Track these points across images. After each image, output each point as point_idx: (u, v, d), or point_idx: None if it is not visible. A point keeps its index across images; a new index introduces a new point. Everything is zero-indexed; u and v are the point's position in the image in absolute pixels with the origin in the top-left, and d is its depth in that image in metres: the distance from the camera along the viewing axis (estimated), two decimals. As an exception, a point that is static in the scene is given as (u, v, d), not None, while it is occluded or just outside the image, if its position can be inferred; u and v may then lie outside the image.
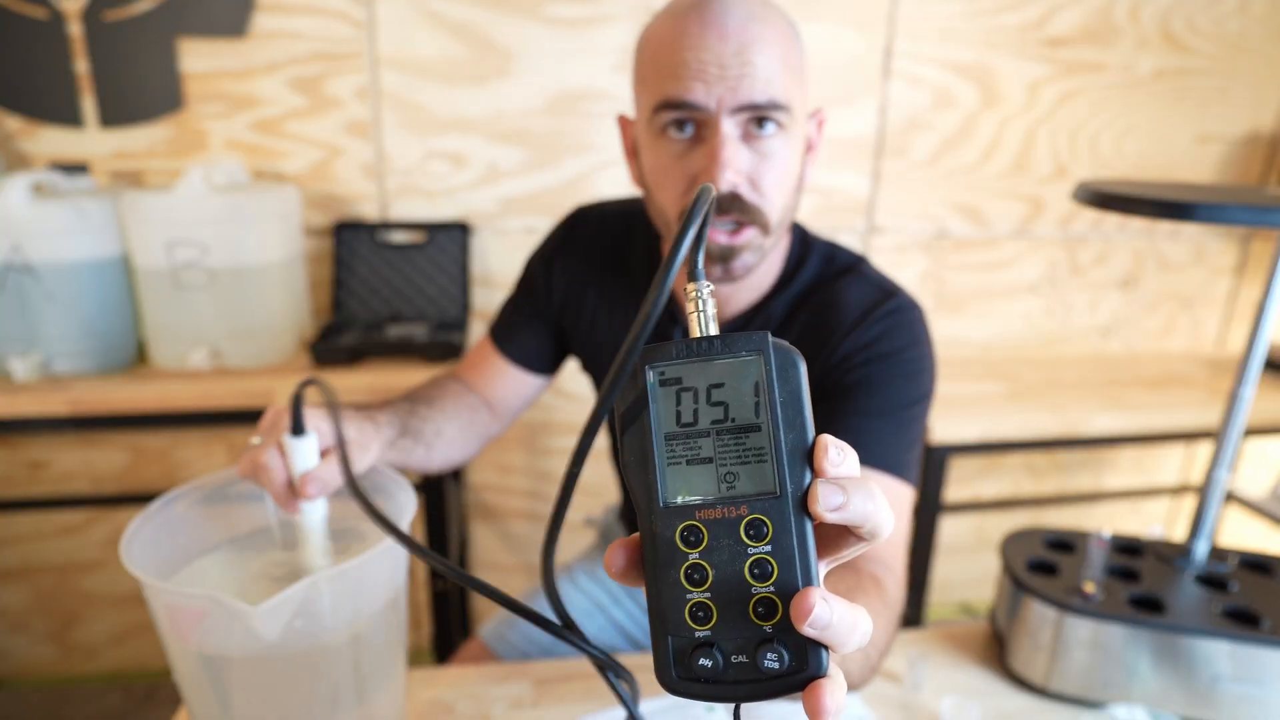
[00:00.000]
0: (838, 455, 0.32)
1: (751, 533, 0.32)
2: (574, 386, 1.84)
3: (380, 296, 1.64)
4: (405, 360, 1.49)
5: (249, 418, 1.37)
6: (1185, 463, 2.20)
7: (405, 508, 0.65)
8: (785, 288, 0.82)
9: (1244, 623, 0.76)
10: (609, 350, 0.91)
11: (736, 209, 0.71)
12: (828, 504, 0.31)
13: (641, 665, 0.83)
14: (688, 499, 0.33)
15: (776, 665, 0.31)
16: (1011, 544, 0.90)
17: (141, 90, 1.55)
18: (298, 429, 0.62)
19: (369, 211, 1.68)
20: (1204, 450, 2.13)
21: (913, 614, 1.68)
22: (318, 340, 1.49)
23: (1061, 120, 1.86)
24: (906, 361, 0.78)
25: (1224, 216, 0.77)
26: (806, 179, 0.78)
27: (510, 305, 0.98)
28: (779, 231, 0.75)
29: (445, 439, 0.86)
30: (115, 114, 1.55)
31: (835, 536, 0.34)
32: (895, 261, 1.88)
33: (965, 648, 0.88)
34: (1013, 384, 1.81)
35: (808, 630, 0.30)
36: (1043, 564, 0.86)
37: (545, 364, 0.97)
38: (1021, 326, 2.02)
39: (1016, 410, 1.65)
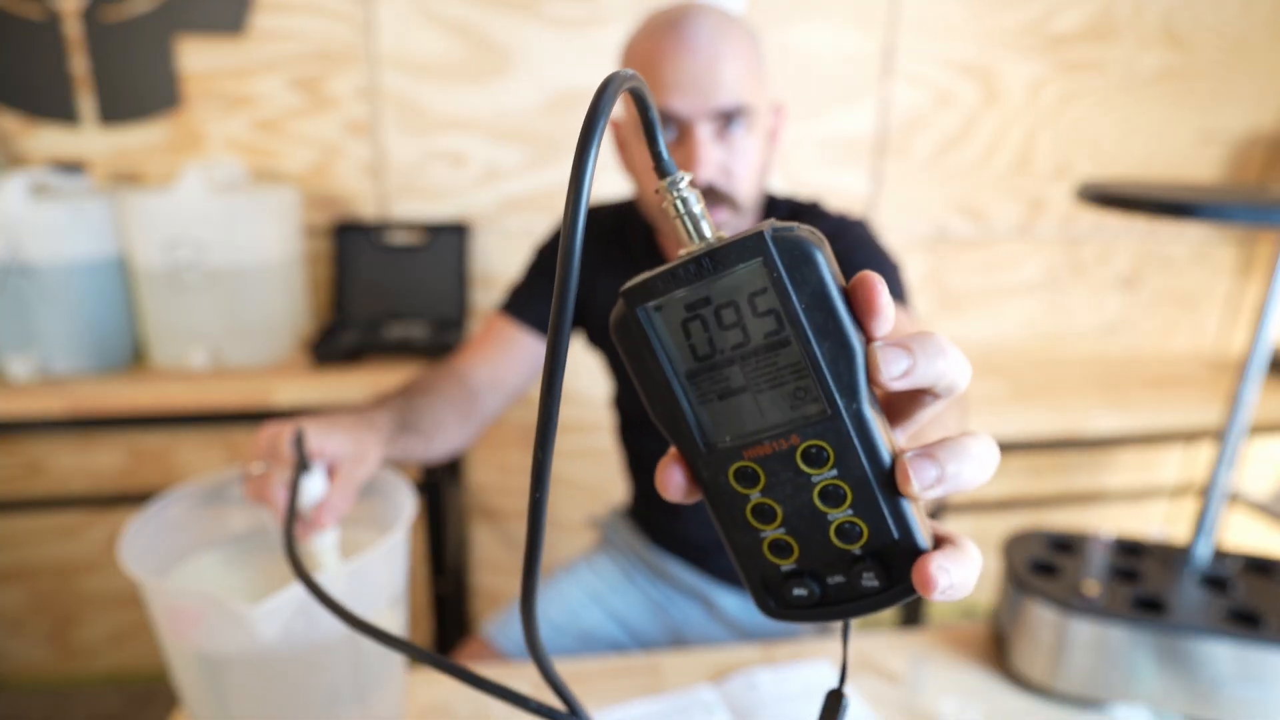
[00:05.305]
0: (886, 305, 0.28)
1: (810, 460, 0.28)
2: (573, 386, 1.83)
3: (380, 297, 1.64)
4: (405, 360, 1.48)
5: (248, 418, 1.36)
6: (1186, 463, 2.20)
7: (405, 509, 0.65)
8: None
9: (1246, 624, 0.76)
10: None
11: (712, 199, 0.85)
12: (891, 372, 0.27)
13: (649, 666, 0.83)
14: (731, 439, 0.29)
15: (875, 584, 0.29)
16: (1013, 545, 0.89)
17: (139, 89, 1.54)
18: (304, 465, 0.61)
19: (368, 211, 1.68)
20: (1205, 450, 2.13)
21: (913, 615, 1.68)
22: (317, 340, 1.49)
23: (1063, 119, 1.86)
24: (876, 250, 0.91)
25: (1226, 216, 0.77)
26: (773, 162, 0.92)
27: (522, 284, 1.04)
28: (750, 206, 0.89)
29: (445, 428, 0.87)
30: (113, 113, 1.55)
31: (906, 401, 0.31)
32: (896, 261, 1.88)
33: (967, 649, 0.88)
34: (1014, 384, 1.80)
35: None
36: (1044, 565, 0.86)
37: None
38: (1023, 326, 2.02)
39: (1018, 410, 1.65)
